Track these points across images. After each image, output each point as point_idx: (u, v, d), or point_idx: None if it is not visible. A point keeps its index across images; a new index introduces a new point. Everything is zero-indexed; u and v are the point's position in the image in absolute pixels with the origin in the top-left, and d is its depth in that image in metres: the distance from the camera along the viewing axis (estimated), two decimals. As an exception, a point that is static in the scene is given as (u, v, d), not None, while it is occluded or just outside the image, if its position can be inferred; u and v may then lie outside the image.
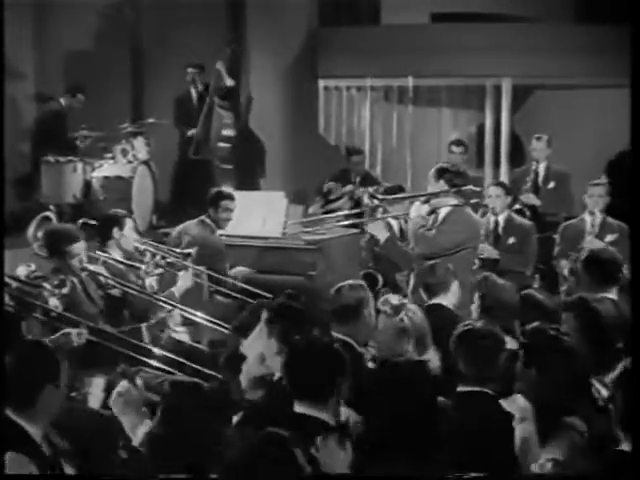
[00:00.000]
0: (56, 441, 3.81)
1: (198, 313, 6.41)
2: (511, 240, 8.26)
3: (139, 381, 4.22)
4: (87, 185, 10.00)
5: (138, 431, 4.02)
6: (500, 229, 8.34)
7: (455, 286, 6.00)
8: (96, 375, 5.01)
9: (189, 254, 7.00)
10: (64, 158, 9.96)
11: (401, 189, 8.62)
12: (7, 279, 5.65)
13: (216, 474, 3.44)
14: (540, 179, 9.32)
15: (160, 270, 6.70)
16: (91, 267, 6.48)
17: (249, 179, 11.40)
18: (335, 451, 3.66)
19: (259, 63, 11.64)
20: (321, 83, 11.84)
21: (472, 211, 7.14)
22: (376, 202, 6.97)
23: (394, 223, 8.18)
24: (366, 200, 6.96)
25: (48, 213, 7.08)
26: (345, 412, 4.05)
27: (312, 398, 3.91)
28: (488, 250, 8.02)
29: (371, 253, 8.28)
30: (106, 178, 10.00)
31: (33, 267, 6.04)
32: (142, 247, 7.02)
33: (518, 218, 8.51)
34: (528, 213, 8.96)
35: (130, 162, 10.19)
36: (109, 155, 10.29)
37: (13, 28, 9.13)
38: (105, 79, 11.10)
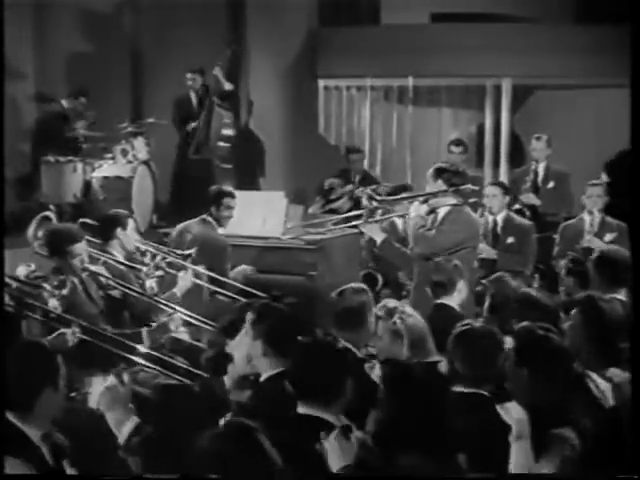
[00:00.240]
0: (57, 440, 3.81)
1: (200, 317, 6.35)
2: (510, 240, 8.26)
3: (126, 377, 4.22)
4: (87, 185, 10.02)
5: (123, 428, 4.03)
6: (499, 229, 8.35)
7: (462, 284, 5.99)
8: (96, 375, 5.01)
9: (189, 255, 7.00)
10: (64, 158, 9.98)
11: (405, 188, 8.62)
12: (7, 279, 5.65)
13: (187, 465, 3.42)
14: (540, 179, 9.33)
15: (160, 272, 6.70)
16: (92, 267, 6.49)
17: (249, 179, 11.40)
18: (341, 445, 3.62)
19: (259, 63, 11.65)
20: (321, 83, 11.85)
21: (471, 210, 7.15)
22: (375, 204, 6.96)
23: (399, 222, 8.18)
24: (365, 202, 6.93)
25: (48, 213, 7.06)
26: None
27: (318, 399, 3.86)
28: (487, 250, 8.03)
29: (371, 253, 8.29)
30: (106, 178, 10.02)
31: (33, 267, 6.03)
32: (143, 247, 7.03)
33: (517, 218, 8.51)
34: (528, 213, 8.98)
35: (130, 162, 10.21)
36: (109, 155, 10.31)
37: (13, 28, 9.11)
38: (105, 79, 11.11)
